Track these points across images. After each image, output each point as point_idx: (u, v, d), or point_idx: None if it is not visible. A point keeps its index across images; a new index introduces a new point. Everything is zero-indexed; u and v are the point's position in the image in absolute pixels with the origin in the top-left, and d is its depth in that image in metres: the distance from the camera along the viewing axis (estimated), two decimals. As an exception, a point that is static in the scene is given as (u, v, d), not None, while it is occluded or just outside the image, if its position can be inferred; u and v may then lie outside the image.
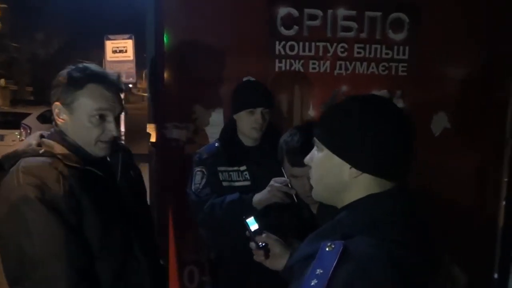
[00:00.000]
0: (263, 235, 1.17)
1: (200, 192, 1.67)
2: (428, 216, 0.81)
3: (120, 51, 6.94)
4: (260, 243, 1.16)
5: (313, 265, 0.69)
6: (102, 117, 1.16)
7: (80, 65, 1.19)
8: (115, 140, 1.24)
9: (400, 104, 2.12)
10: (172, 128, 2.10)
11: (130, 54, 7.01)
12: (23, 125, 8.44)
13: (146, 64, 2.10)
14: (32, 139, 1.19)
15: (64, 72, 1.18)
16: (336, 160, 0.80)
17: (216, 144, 1.76)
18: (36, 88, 22.03)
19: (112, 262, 1.18)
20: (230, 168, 1.71)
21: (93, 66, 1.20)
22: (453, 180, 2.13)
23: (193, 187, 1.69)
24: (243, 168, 1.71)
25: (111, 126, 1.18)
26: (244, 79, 1.91)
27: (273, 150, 1.60)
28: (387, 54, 2.11)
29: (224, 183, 1.69)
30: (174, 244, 2.12)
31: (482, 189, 2.24)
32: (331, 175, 0.82)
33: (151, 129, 2.10)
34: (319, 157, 0.84)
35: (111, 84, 1.18)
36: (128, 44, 6.99)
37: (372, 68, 2.11)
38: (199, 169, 1.71)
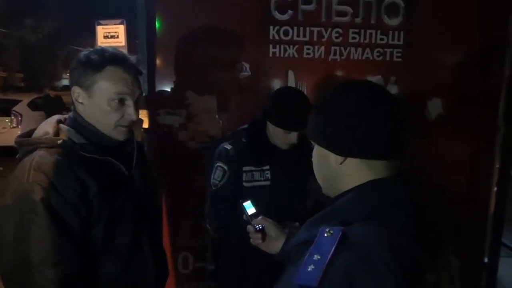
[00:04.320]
0: (259, 218, 1.19)
1: (218, 191, 1.63)
2: (423, 202, 0.81)
3: (111, 37, 6.84)
4: (257, 226, 1.18)
5: (310, 250, 0.68)
6: (121, 101, 1.14)
7: (98, 48, 1.16)
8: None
9: (394, 90, 2.12)
10: (164, 114, 2.08)
11: (122, 40, 6.91)
12: (13, 112, 8.31)
13: (138, 50, 2.07)
14: (49, 126, 1.15)
15: (81, 54, 1.15)
16: (322, 150, 0.81)
17: (244, 140, 1.65)
18: (27, 75, 21.71)
19: (120, 255, 1.17)
20: (255, 168, 1.63)
21: (111, 49, 1.16)
22: (446, 165, 2.14)
23: (212, 181, 1.64)
24: (266, 167, 1.64)
25: (130, 110, 1.15)
26: (284, 88, 1.75)
27: (301, 153, 1.56)
28: (382, 39, 2.09)
29: (246, 184, 1.62)
30: (168, 230, 2.12)
31: (474, 175, 2.26)
32: (323, 166, 0.82)
33: (143, 115, 2.07)
34: (313, 152, 0.85)
35: (130, 67, 1.15)
36: (119, 30, 6.89)
37: (367, 53, 2.10)
38: (221, 164, 1.63)
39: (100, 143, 1.15)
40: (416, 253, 0.69)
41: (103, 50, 1.14)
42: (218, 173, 1.63)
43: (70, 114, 1.20)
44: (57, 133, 1.13)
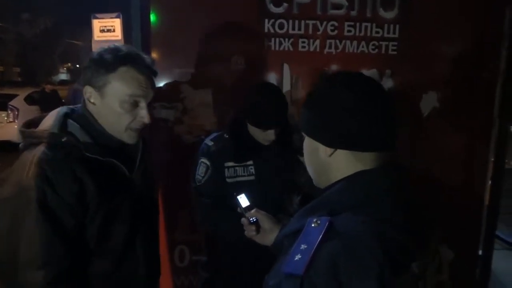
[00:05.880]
0: (253, 210, 1.19)
1: (201, 186, 1.64)
2: (416, 193, 0.81)
3: (108, 30, 6.79)
4: (251, 218, 1.18)
5: (298, 240, 0.69)
6: (134, 103, 1.10)
7: (112, 46, 1.12)
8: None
9: (390, 83, 2.12)
10: (160, 108, 2.08)
11: (118, 34, 6.87)
12: (10, 106, 8.28)
13: (133, 44, 2.05)
14: (54, 120, 1.10)
15: (95, 53, 1.11)
16: (312, 142, 0.81)
17: (226, 136, 1.66)
18: (24, 69, 21.59)
19: (113, 254, 1.16)
20: (237, 164, 1.64)
21: (125, 47, 1.12)
22: (441, 158, 2.15)
23: (195, 176, 1.65)
24: (249, 162, 1.65)
25: (143, 112, 1.12)
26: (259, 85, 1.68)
27: (285, 148, 1.60)
28: (377, 32, 2.09)
29: (229, 180, 1.63)
30: (164, 224, 2.13)
31: (469, 168, 2.27)
32: (313, 158, 0.83)
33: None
34: (304, 143, 0.85)
35: (145, 67, 1.11)
36: (116, 23, 6.84)
37: (362, 46, 2.09)
38: (204, 160, 1.64)
39: (104, 144, 1.13)
40: (402, 243, 0.69)
41: (117, 49, 1.10)
42: (201, 169, 1.64)
43: (79, 108, 1.16)
44: (62, 127, 1.09)
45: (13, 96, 8.66)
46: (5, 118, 8.17)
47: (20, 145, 1.10)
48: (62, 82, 16.82)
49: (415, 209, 0.78)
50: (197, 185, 1.65)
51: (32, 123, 1.13)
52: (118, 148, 1.16)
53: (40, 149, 1.04)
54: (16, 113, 8.21)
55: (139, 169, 1.21)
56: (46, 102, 8.47)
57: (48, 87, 9.60)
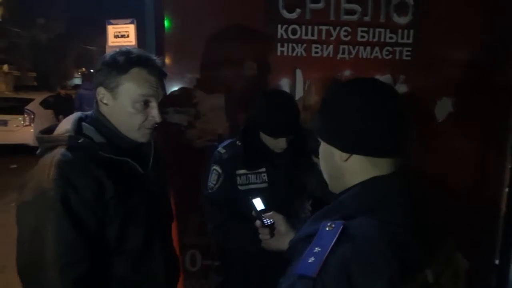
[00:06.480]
0: (270, 213, 1.19)
1: (213, 194, 1.64)
2: (430, 200, 0.81)
3: (122, 36, 6.88)
4: (266, 221, 1.17)
5: (312, 243, 0.70)
6: (146, 103, 1.14)
7: (124, 49, 1.16)
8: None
9: (403, 89, 2.10)
10: (173, 113, 2.09)
11: (132, 39, 6.94)
12: (26, 110, 8.45)
13: (147, 49, 2.08)
14: (71, 124, 1.14)
15: (107, 56, 1.15)
16: (328, 147, 0.81)
17: (238, 143, 1.65)
18: (39, 74, 22.00)
19: (132, 255, 1.17)
20: (250, 171, 1.63)
21: (136, 50, 1.17)
22: (456, 165, 2.12)
23: (208, 184, 1.66)
24: (262, 170, 1.64)
25: (154, 112, 1.16)
26: (271, 92, 1.72)
27: (297, 154, 1.59)
28: (391, 38, 2.08)
29: (241, 187, 1.62)
30: (176, 228, 2.13)
31: (485, 175, 2.23)
32: (328, 163, 0.83)
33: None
34: (320, 149, 0.86)
35: (155, 69, 1.16)
36: (130, 29, 6.92)
37: (376, 52, 2.08)
38: (216, 168, 1.64)
39: (118, 144, 1.16)
40: (415, 248, 0.69)
41: (128, 52, 1.14)
42: (213, 176, 1.64)
43: (92, 112, 1.20)
44: (78, 131, 1.13)
45: (29, 100, 8.84)
46: (22, 122, 8.33)
47: (38, 152, 1.13)
48: (76, 87, 17.08)
49: (428, 215, 0.78)
50: (209, 192, 1.65)
51: (48, 131, 1.17)
52: (131, 148, 1.19)
53: (59, 151, 1.07)
54: (32, 117, 8.38)
55: (152, 168, 1.24)
56: (60, 106, 8.64)
57: (63, 92, 9.78)
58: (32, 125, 8.28)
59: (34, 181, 1.06)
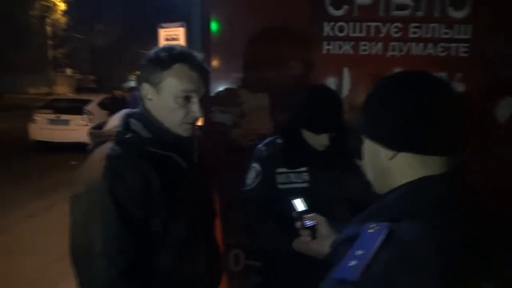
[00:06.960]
0: (312, 214, 1.15)
1: (250, 191, 1.63)
2: (480, 206, 0.74)
3: (172, 39, 7.09)
4: (308, 222, 1.14)
5: (354, 245, 0.67)
6: (187, 98, 1.17)
7: (167, 46, 1.20)
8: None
9: (461, 87, 1.96)
10: (218, 112, 2.11)
11: (181, 42, 7.15)
12: (85, 111, 9.07)
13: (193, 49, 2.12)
14: (119, 120, 1.20)
15: (151, 52, 1.20)
16: (373, 145, 0.77)
17: (279, 141, 1.63)
18: (98, 77, 23.42)
19: (174, 249, 1.20)
20: (291, 170, 1.59)
21: (178, 47, 1.21)
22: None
23: (246, 180, 1.66)
24: (303, 169, 1.59)
25: (195, 107, 1.19)
26: (314, 88, 1.62)
27: (341, 154, 1.53)
28: (446, 33, 1.95)
29: (281, 186, 1.58)
30: (220, 227, 2.15)
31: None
32: (373, 162, 0.79)
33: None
34: (363, 148, 0.81)
35: (197, 65, 1.18)
36: (179, 32, 7.12)
37: (430, 49, 1.97)
38: (255, 165, 1.63)
39: (163, 138, 1.19)
40: (462, 255, 0.64)
41: (171, 48, 1.18)
42: (252, 173, 1.63)
43: (139, 108, 1.25)
44: (126, 126, 1.18)
45: (88, 102, 9.47)
46: (81, 121, 8.90)
47: (88, 146, 1.19)
48: (132, 89, 17.94)
49: (471, 222, 0.72)
50: (246, 189, 1.65)
51: (98, 127, 1.23)
52: (175, 143, 1.21)
53: (108, 146, 1.12)
54: (91, 117, 8.93)
55: (195, 163, 1.26)
56: (115, 107, 9.08)
57: (118, 93, 10.31)
58: (89, 124, 8.81)
59: (85, 174, 1.11)
